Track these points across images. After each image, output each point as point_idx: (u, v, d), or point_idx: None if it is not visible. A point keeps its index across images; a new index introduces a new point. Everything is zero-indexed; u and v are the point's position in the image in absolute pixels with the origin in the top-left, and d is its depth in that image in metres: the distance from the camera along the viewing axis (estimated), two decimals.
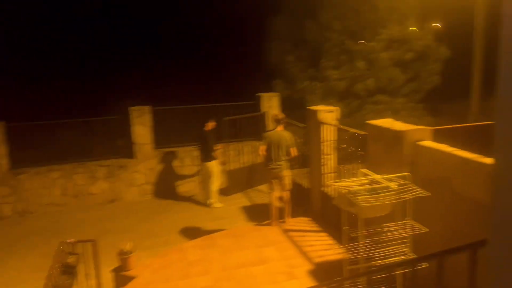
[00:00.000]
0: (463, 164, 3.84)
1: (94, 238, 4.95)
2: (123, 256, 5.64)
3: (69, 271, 4.07)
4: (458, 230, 3.79)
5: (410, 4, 11.71)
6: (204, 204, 8.67)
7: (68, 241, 4.56)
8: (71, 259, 4.27)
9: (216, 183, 8.50)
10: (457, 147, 4.15)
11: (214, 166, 8.38)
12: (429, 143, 4.45)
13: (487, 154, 3.51)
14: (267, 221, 6.86)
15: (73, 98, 16.26)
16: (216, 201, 8.53)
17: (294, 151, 6.62)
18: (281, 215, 6.75)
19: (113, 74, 18.23)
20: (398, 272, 3.75)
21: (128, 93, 12.19)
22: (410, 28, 11.47)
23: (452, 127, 5.50)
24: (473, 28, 8.53)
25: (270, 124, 9.82)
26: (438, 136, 4.71)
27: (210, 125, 8.41)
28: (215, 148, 8.34)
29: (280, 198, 6.82)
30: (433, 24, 13.41)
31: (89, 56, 19.49)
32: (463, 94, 10.39)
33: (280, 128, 6.72)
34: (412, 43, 11.56)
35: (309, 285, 4.55)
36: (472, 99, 8.38)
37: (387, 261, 3.92)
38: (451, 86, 13.83)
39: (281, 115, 6.94)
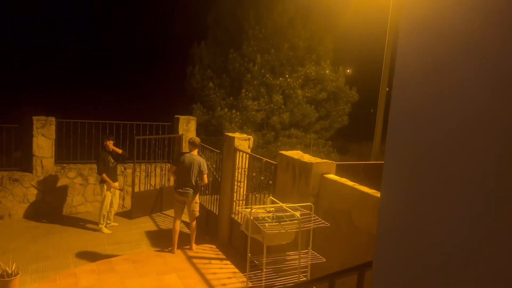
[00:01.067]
0: (361, 198, 4.09)
1: None
2: (5, 278, 5.04)
3: None
4: (355, 260, 3.99)
5: (327, 47, 12.58)
6: (109, 225, 8.13)
7: None
8: None
9: (105, 207, 7.81)
10: (358, 182, 4.44)
11: (103, 188, 7.81)
12: (333, 176, 4.69)
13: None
14: (169, 248, 6.63)
15: None
16: (103, 226, 7.85)
17: (205, 178, 6.55)
18: (187, 242, 6.58)
19: (21, 80, 16.83)
20: None
21: (35, 103, 11.29)
22: (326, 71, 12.26)
23: (355, 163, 5.88)
24: (378, 77, 9.37)
25: (185, 147, 9.70)
26: (342, 171, 5.01)
27: (108, 144, 7.85)
28: (107, 169, 7.75)
29: (187, 225, 6.67)
30: (346, 71, 14.52)
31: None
32: (368, 136, 11.27)
33: (194, 152, 6.64)
34: (326, 84, 12.34)
35: None
36: (375, 140, 9.09)
37: None
38: (358, 127, 14.94)
39: (197, 139, 6.87)
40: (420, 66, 0.83)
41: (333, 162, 5.01)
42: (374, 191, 4.04)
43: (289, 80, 11.92)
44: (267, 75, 11.75)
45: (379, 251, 1.02)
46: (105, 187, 7.74)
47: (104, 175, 7.63)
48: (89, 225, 8.27)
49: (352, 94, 12.79)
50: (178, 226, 6.59)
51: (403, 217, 0.94)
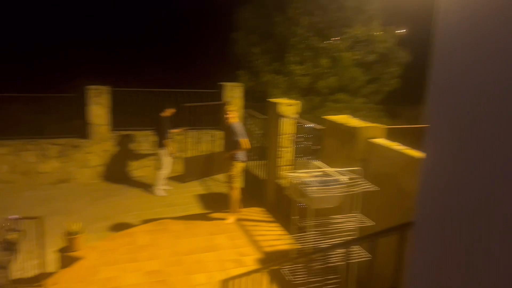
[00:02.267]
0: (410, 162, 4.01)
1: (41, 217, 4.77)
2: (70, 236, 5.49)
3: (9, 247, 3.92)
4: None
5: (376, 6, 12.01)
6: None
7: (11, 217, 4.38)
8: (12, 236, 4.11)
9: (164, 171, 8.27)
10: (408, 146, 4.33)
11: (163, 153, 8.21)
12: (380, 141, 4.61)
13: None
14: (206, 211, 6.77)
15: (28, 73, 15.52)
16: (160, 188, 8.32)
17: (241, 143, 6.41)
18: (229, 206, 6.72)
19: (74, 51, 17.54)
20: (339, 260, 3.87)
21: (88, 72, 11.79)
22: (375, 33, 11.77)
23: (404, 127, 5.72)
24: (431, 36, 8.88)
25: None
26: (390, 135, 4.90)
27: (168, 111, 8.23)
28: (168, 135, 8.12)
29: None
30: (397, 30, 13.85)
31: (50, 29, 18.63)
32: (420, 99, 10.81)
33: (231, 119, 6.58)
34: (375, 45, 11.88)
35: None
36: (425, 103, 8.75)
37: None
38: (409, 90, 14.36)
39: (233, 106, 6.91)
40: (463, 26, 0.81)
41: (381, 126, 4.90)
42: (423, 154, 3.94)
43: (336, 42, 11.57)
44: (313, 38, 11.48)
45: (420, 211, 1.04)
46: (165, 152, 8.12)
47: (167, 141, 8.02)
48: (143, 188, 8.73)
49: (403, 55, 12.24)
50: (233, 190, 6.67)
51: (445, 178, 0.95)
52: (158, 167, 8.38)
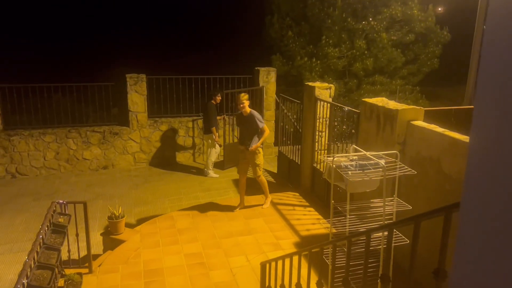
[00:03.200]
0: (452, 144, 3.89)
1: (86, 202, 4.99)
2: (114, 220, 5.71)
3: (59, 230, 4.13)
4: None
5: None
6: (199, 173, 8.81)
7: (60, 201, 4.60)
8: (61, 219, 4.32)
9: (213, 155, 8.62)
10: (449, 129, 4.20)
11: (210, 138, 8.46)
12: (420, 123, 4.49)
13: None
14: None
15: (69, 62, 16.08)
16: (211, 171, 8.68)
17: (267, 129, 6.35)
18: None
19: (111, 41, 17.99)
20: (378, 244, 3.84)
21: (125, 61, 12.08)
22: (413, 12, 11.33)
23: (445, 109, 5.53)
24: (475, 14, 8.46)
25: (266, 99, 9.82)
26: (431, 117, 4.75)
27: (217, 98, 8.41)
28: (216, 122, 8.40)
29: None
30: (437, 9, 13.29)
31: (89, 21, 19.18)
32: (461, 80, 10.40)
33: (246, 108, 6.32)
34: (413, 25, 11.46)
35: None
36: (468, 84, 8.39)
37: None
38: (450, 71, 13.82)
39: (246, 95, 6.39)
40: None
41: (421, 108, 4.76)
42: (465, 137, 3.80)
43: (372, 23, 11.25)
44: (349, 19, 11.21)
45: (467, 193, 1.03)
46: (213, 138, 8.37)
47: (214, 129, 8.23)
48: (181, 173, 8.94)
49: (443, 34, 11.75)
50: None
51: (492, 160, 0.94)
52: (207, 153, 8.69)
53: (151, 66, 11.13)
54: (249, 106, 6.37)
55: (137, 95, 9.12)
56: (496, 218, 0.91)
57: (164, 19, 20.44)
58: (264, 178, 6.57)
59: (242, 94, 6.34)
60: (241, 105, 6.24)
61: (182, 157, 9.63)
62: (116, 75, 9.40)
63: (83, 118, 9.22)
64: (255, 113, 6.32)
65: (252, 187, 6.90)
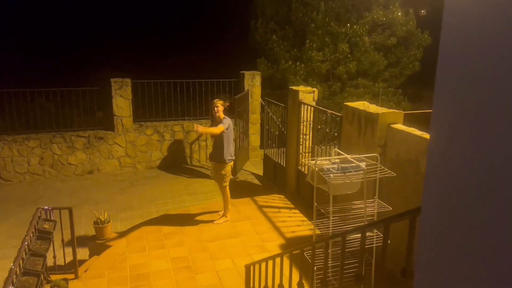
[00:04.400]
0: None
1: (71, 207, 4.99)
2: (99, 225, 5.73)
3: (44, 236, 4.14)
4: None
5: None
6: (186, 177, 8.81)
7: (45, 207, 4.60)
8: (47, 225, 4.33)
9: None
10: (428, 131, 4.33)
11: None
12: (400, 126, 4.62)
13: None
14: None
15: (54, 66, 15.93)
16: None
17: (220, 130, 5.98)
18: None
19: (96, 44, 17.88)
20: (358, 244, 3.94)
21: (109, 64, 12.03)
22: (395, 15, 11.56)
23: (424, 112, 5.68)
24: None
25: (252, 102, 9.90)
26: (411, 120, 4.90)
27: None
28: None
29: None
30: (419, 12, 13.56)
31: (72, 24, 19.02)
32: None
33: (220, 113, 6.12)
34: (395, 28, 11.68)
35: None
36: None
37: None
38: (431, 73, 14.08)
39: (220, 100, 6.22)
40: (471, 7, 0.83)
41: (400, 111, 4.90)
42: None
43: (355, 27, 11.43)
44: (332, 23, 11.37)
45: (427, 195, 1.07)
46: None
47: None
48: (167, 177, 8.95)
49: (424, 37, 12.00)
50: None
51: (451, 162, 0.96)
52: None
53: (136, 69, 11.11)
54: (227, 112, 6.19)
55: (122, 100, 9.12)
56: (454, 218, 0.96)
57: (149, 23, 20.39)
58: (228, 191, 6.23)
59: (217, 100, 6.13)
60: (215, 109, 6.05)
61: (169, 161, 9.64)
62: (101, 79, 9.37)
63: (67, 122, 9.17)
64: (226, 121, 6.02)
65: (236, 190, 6.97)
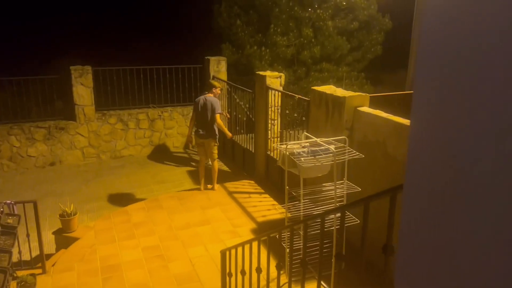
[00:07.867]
0: (396, 128, 4.14)
1: (35, 200, 4.81)
2: (66, 218, 5.56)
3: (9, 231, 3.97)
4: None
5: None
6: (152, 166, 8.67)
7: (7, 202, 4.41)
8: (10, 220, 4.16)
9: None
10: (392, 113, 4.46)
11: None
12: (366, 109, 4.72)
13: None
14: (197, 187, 7.00)
15: (7, 54, 15.09)
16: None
17: (217, 118, 6.55)
18: (210, 182, 6.88)
19: (54, 30, 17.05)
20: (331, 225, 4.03)
21: (68, 52, 11.54)
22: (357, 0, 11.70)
23: (389, 95, 5.83)
24: (413, 3, 8.89)
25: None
26: (376, 103, 5.01)
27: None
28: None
29: (209, 166, 6.94)
30: None
31: (28, 6, 18.00)
32: (402, 65, 10.90)
33: (209, 94, 6.68)
34: (357, 13, 11.84)
35: None
36: (409, 69, 8.84)
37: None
38: (392, 57, 14.43)
39: (209, 81, 7.17)
40: None
41: (367, 94, 5.01)
42: (408, 121, 4.06)
43: (318, 11, 11.50)
44: (296, 8, 11.38)
45: (409, 174, 1.11)
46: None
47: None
48: (133, 167, 8.78)
49: (385, 22, 12.25)
50: (203, 166, 6.93)
51: (432, 143, 1.00)
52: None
53: (98, 57, 10.71)
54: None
55: (83, 88, 8.80)
56: (435, 197, 1.01)
57: (111, 8, 19.62)
58: (217, 164, 6.91)
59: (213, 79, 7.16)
60: (220, 92, 7.08)
61: (134, 150, 9.45)
62: (60, 67, 8.98)
63: (25, 113, 8.77)
64: (213, 100, 6.66)
65: (205, 177, 6.95)
